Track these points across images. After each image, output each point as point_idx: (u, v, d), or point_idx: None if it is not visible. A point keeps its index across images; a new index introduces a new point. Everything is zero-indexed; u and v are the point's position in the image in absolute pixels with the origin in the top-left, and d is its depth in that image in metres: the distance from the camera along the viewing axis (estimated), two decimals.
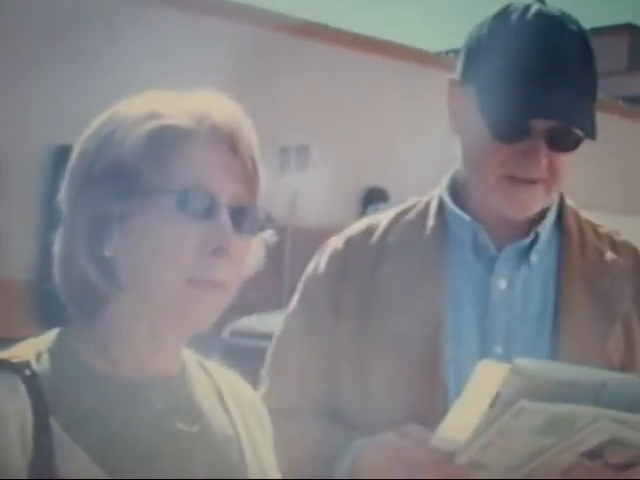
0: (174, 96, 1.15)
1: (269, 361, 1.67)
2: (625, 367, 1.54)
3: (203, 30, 12.55)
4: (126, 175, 1.09)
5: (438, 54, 17.87)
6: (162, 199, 1.09)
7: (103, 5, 11.85)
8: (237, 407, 1.25)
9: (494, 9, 1.56)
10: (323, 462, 1.49)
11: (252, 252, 1.16)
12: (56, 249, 1.15)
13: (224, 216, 1.10)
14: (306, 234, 11.47)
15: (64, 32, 11.44)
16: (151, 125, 1.10)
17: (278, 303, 11.01)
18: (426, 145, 12.94)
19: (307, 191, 11.00)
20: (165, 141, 1.09)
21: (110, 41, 11.13)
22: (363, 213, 11.13)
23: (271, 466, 1.26)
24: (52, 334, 1.16)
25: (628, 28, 26.59)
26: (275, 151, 11.03)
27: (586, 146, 1.54)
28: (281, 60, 13.19)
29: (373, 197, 13.56)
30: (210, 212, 1.10)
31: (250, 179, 1.14)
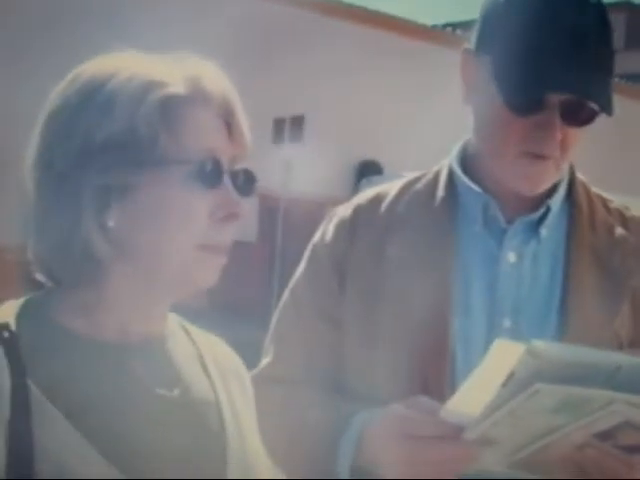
0: (160, 61, 1.14)
1: (273, 330, 1.66)
2: (632, 342, 1.53)
3: (201, 3, 12.48)
4: (139, 145, 1.08)
5: (434, 27, 17.79)
6: (177, 169, 1.09)
7: None
8: (218, 371, 1.25)
9: None
10: (328, 432, 1.48)
11: (244, 213, 1.18)
12: (45, 218, 1.12)
13: (228, 182, 1.13)
14: (299, 205, 11.48)
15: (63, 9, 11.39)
16: (159, 94, 1.09)
17: (270, 272, 11.07)
18: (420, 119, 12.93)
19: (301, 163, 10.99)
20: (176, 111, 1.10)
21: (114, 14, 11.05)
22: (356, 186, 11.15)
23: (251, 431, 1.26)
24: (34, 296, 1.15)
25: (626, 5, 26.57)
26: (269, 122, 10.99)
27: None
28: (276, 32, 13.12)
29: (367, 170, 13.55)
30: (218, 179, 1.12)
31: (242, 142, 1.17)
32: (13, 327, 1.08)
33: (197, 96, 1.11)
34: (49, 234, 1.11)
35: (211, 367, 1.24)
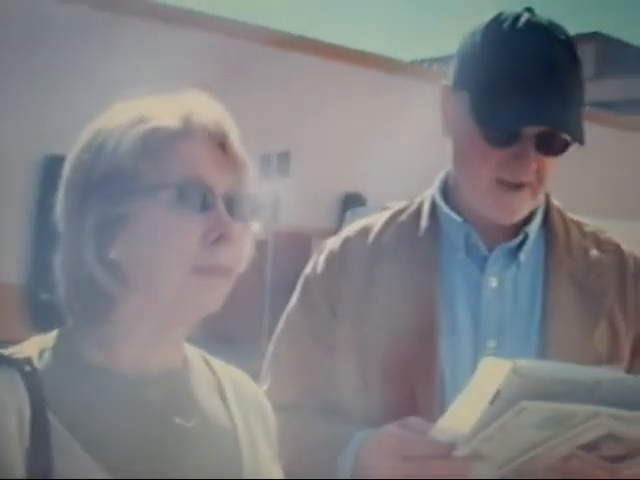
0: (157, 100, 1.20)
1: (270, 358, 1.72)
2: (611, 358, 1.59)
3: (183, 41, 12.58)
4: (123, 176, 1.13)
5: (413, 63, 18.11)
6: (161, 194, 1.13)
7: (93, 18, 11.88)
8: (238, 403, 1.27)
9: (482, 18, 1.61)
10: (326, 455, 1.53)
11: (247, 238, 1.21)
12: (59, 258, 1.18)
13: (221, 205, 1.15)
14: (287, 238, 11.56)
15: (52, 44, 11.44)
16: (142, 128, 1.14)
17: (261, 303, 11.10)
18: (400, 151, 13.03)
19: (288, 197, 11.08)
20: (157, 141, 1.14)
21: (99, 53, 11.12)
22: (342, 217, 11.23)
23: (269, 462, 1.28)
24: (58, 332, 1.19)
25: (595, 36, 26.98)
26: (256, 158, 11.07)
27: None
28: (258, 70, 13.24)
29: (351, 202, 13.63)
30: (208, 203, 1.15)
31: (239, 169, 1.20)
32: (36, 361, 1.12)
33: (187, 128, 1.16)
34: (64, 274, 1.18)
35: (231, 399, 1.27)
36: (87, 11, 11.99)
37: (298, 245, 11.81)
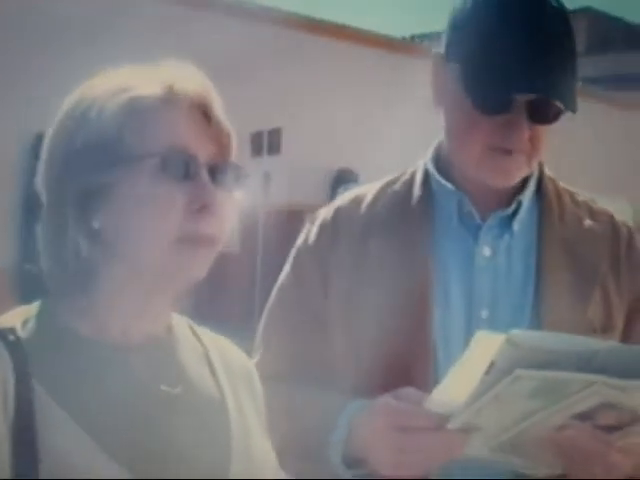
0: (139, 70, 1.19)
1: (261, 330, 1.71)
2: (604, 327, 1.59)
3: (175, 20, 12.52)
4: (107, 145, 1.12)
5: (404, 39, 18.06)
6: (145, 163, 1.12)
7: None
8: (225, 371, 1.27)
9: None
10: (319, 426, 1.52)
11: (231, 208, 1.20)
12: (42, 228, 1.18)
13: (204, 175, 1.15)
14: (278, 215, 11.55)
15: (40, 21, 11.37)
16: (125, 96, 1.13)
17: (252, 281, 11.11)
18: (392, 127, 13.02)
19: (279, 174, 11.07)
20: (141, 109, 1.13)
21: (100, 30, 11.05)
22: (333, 193, 11.25)
23: (258, 430, 1.28)
24: (42, 303, 1.19)
25: (586, 12, 26.93)
26: (247, 136, 11.05)
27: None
28: (249, 47, 13.19)
29: (343, 178, 13.63)
30: (191, 172, 1.14)
31: (223, 139, 1.19)
32: (19, 331, 1.12)
33: (170, 97, 1.15)
34: (47, 244, 1.17)
35: (218, 367, 1.26)
36: None
37: (290, 222, 11.81)
